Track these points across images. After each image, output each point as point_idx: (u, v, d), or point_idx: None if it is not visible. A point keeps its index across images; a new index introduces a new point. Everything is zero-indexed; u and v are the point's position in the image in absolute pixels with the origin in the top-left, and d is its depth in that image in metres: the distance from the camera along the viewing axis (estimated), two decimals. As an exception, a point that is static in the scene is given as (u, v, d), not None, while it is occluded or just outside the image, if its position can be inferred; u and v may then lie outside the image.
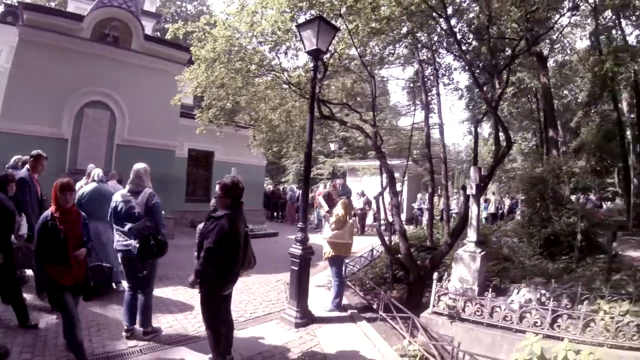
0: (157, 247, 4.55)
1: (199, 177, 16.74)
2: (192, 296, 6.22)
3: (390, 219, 9.03)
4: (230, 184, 3.99)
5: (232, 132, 12.20)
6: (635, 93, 18.58)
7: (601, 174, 25.35)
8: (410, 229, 15.32)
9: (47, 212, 3.81)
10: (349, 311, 6.49)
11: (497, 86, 7.36)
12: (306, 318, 5.80)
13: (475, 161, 7.87)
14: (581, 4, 13.83)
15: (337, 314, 6.36)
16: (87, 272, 4.08)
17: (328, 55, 7.36)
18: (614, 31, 18.69)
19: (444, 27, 7.45)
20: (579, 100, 23.84)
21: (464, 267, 5.91)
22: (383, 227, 8.93)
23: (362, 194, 17.13)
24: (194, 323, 5.44)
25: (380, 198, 8.51)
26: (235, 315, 5.47)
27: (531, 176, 10.83)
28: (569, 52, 21.44)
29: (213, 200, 4.23)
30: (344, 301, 6.93)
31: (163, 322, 5.39)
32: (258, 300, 6.88)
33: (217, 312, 4.03)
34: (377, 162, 10.77)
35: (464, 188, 6.77)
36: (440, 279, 5.92)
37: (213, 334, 4.03)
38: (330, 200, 7.27)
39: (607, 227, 12.25)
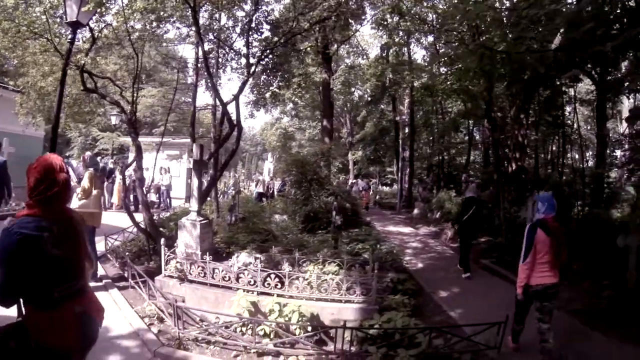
0: None
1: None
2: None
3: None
4: None
5: (8, 96, 10.82)
6: (411, 98, 22.00)
7: (376, 163, 29.73)
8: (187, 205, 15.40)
9: None
10: (104, 281, 6.68)
11: (245, 75, 7.87)
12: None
13: (217, 140, 8.38)
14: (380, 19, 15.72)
15: (92, 284, 6.42)
16: None
17: (102, 25, 7.50)
18: (405, 48, 21.92)
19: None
20: (368, 99, 26.91)
21: (187, 234, 6.36)
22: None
23: (135, 170, 16.24)
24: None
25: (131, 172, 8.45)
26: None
27: (294, 159, 11.75)
28: (362, 57, 24.34)
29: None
30: (102, 272, 7.12)
31: None
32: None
33: None
34: (157, 139, 10.60)
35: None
36: (169, 245, 6.31)
37: None
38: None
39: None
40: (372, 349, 4.37)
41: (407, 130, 22.71)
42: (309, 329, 4.69)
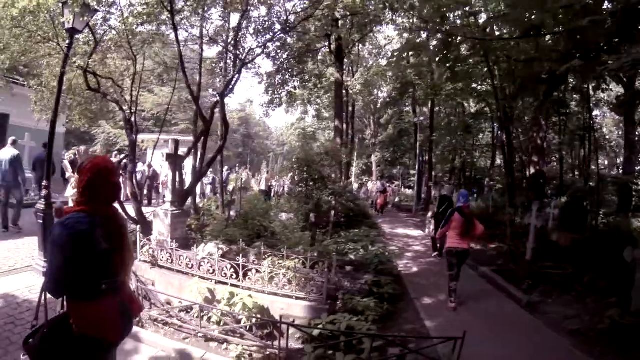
0: None
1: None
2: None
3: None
4: None
5: (28, 94, 11.31)
6: (432, 100, 20.94)
7: (394, 165, 29.20)
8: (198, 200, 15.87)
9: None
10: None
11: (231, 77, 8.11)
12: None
13: (224, 138, 8.69)
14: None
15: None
16: None
17: (108, 29, 8.13)
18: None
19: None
20: (387, 100, 26.50)
21: (160, 222, 6.73)
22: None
23: (149, 165, 16.72)
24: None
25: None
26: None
27: (298, 157, 11.77)
28: (383, 58, 23.96)
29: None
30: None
31: None
32: (22, 255, 6.97)
33: None
34: (168, 137, 11.11)
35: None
36: (145, 232, 6.69)
37: None
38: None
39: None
40: (307, 348, 4.33)
41: (428, 131, 22.17)
42: (254, 320, 4.77)
